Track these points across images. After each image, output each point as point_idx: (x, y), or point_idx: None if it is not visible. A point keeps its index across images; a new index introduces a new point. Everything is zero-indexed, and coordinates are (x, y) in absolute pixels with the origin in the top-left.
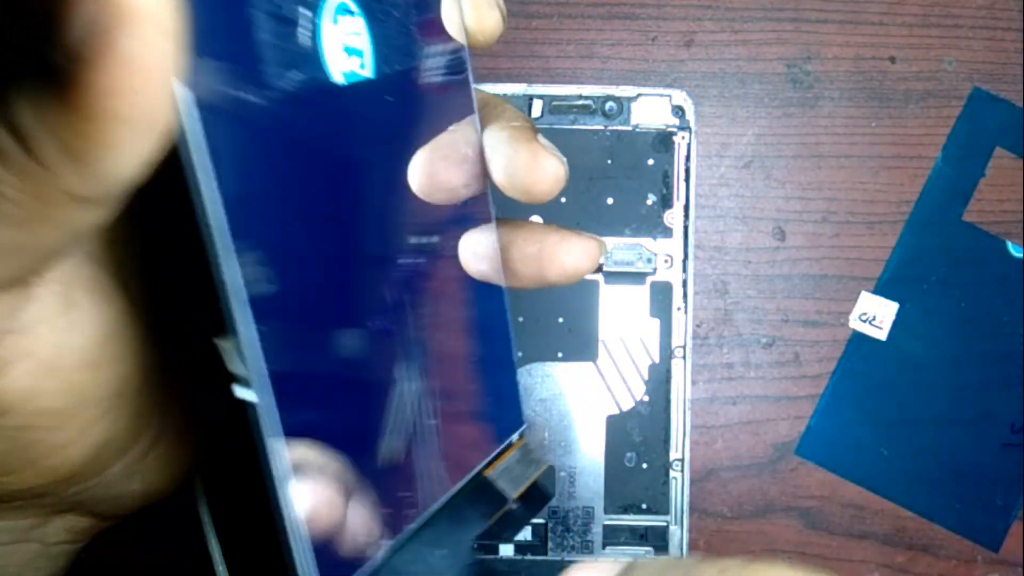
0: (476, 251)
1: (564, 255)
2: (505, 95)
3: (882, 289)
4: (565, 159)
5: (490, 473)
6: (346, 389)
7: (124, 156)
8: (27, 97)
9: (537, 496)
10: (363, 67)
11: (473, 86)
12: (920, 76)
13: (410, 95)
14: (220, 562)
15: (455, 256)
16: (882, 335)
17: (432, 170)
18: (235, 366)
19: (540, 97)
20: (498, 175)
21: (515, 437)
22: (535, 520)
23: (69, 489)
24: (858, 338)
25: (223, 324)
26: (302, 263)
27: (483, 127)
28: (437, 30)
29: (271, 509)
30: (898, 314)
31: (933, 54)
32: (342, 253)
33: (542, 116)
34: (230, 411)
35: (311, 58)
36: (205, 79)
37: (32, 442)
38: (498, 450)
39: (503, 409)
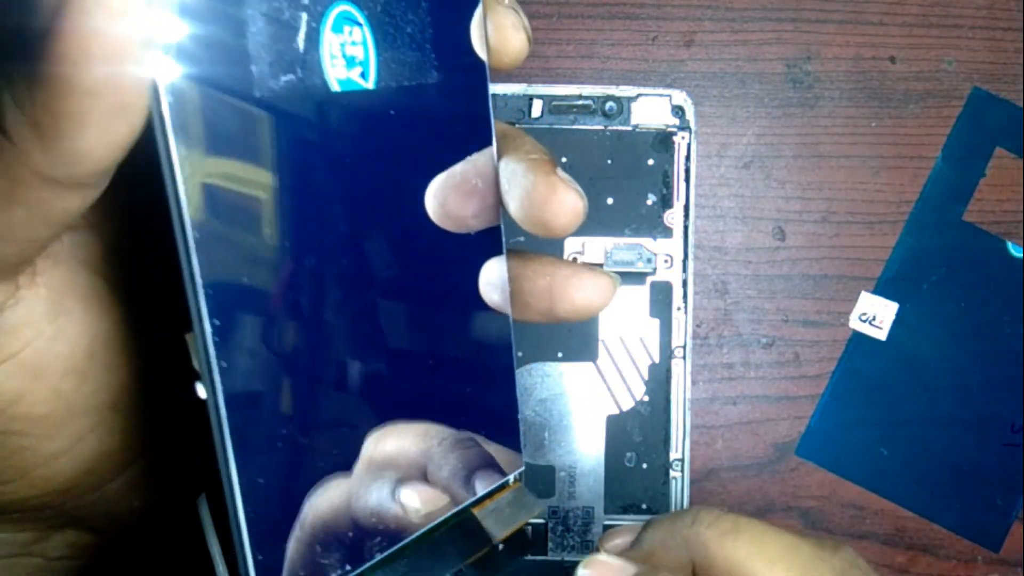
0: (489, 280)
1: (575, 290)
2: (505, 95)
3: (882, 289)
4: (584, 194)
5: (479, 512)
6: (318, 405)
7: (92, 134)
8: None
9: (524, 541)
10: (364, 78)
11: (493, 115)
12: (920, 76)
13: (420, 112)
14: (220, 561)
15: (460, 286)
16: (882, 335)
17: (443, 199)
18: (196, 361)
19: (540, 97)
20: (514, 208)
21: (511, 479)
22: (535, 520)
23: (67, 503)
24: (858, 338)
25: (190, 318)
26: (276, 267)
27: (500, 157)
28: (457, 51)
29: (228, 512)
30: (898, 314)
31: (933, 54)
32: (322, 264)
33: (542, 116)
34: (197, 409)
35: (307, 63)
36: (192, 71)
37: (21, 449)
38: (490, 489)
39: (502, 449)
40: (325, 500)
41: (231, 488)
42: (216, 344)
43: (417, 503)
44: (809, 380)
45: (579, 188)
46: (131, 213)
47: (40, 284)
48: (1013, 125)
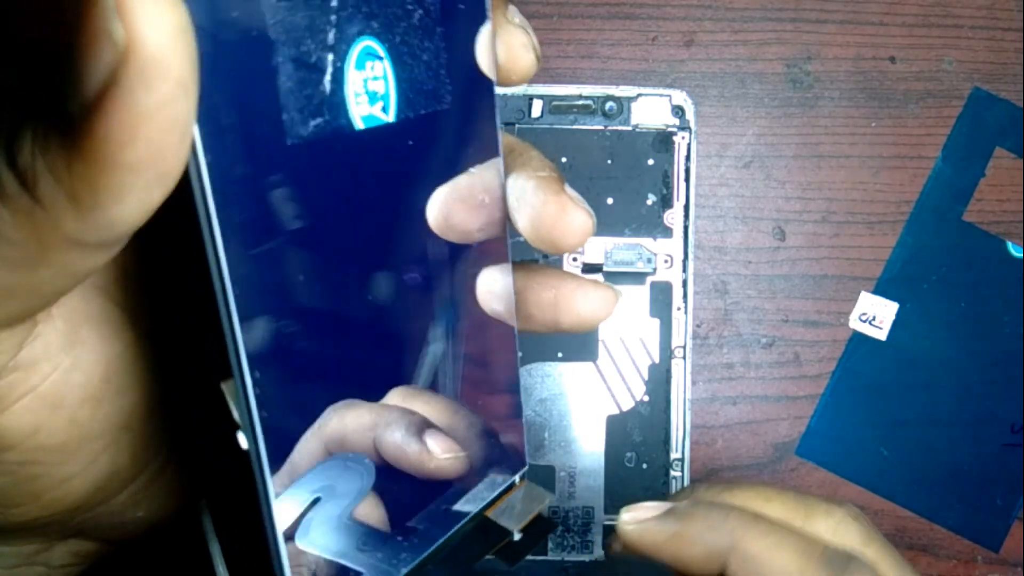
0: (492, 289)
1: (580, 303)
2: (505, 95)
3: (882, 289)
4: (593, 211)
5: (492, 513)
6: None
7: (129, 204)
8: (32, 138)
9: (540, 526)
10: (386, 111)
11: (500, 130)
12: (920, 76)
13: (433, 137)
14: (221, 562)
15: (469, 296)
16: (882, 335)
17: (447, 211)
18: (237, 413)
19: (540, 97)
20: (524, 226)
21: (516, 479)
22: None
23: (74, 518)
24: (858, 338)
25: (228, 369)
26: (309, 311)
27: (508, 173)
28: (466, 72)
29: (266, 552)
30: (898, 314)
31: (933, 54)
32: (353, 301)
33: (542, 116)
34: (232, 451)
35: (334, 105)
36: (222, 124)
37: (35, 476)
38: (499, 491)
39: (507, 450)
40: (353, 415)
41: (275, 538)
42: (257, 397)
43: (439, 448)
44: (809, 380)
45: (588, 207)
46: (139, 236)
47: (56, 316)
48: (1013, 125)
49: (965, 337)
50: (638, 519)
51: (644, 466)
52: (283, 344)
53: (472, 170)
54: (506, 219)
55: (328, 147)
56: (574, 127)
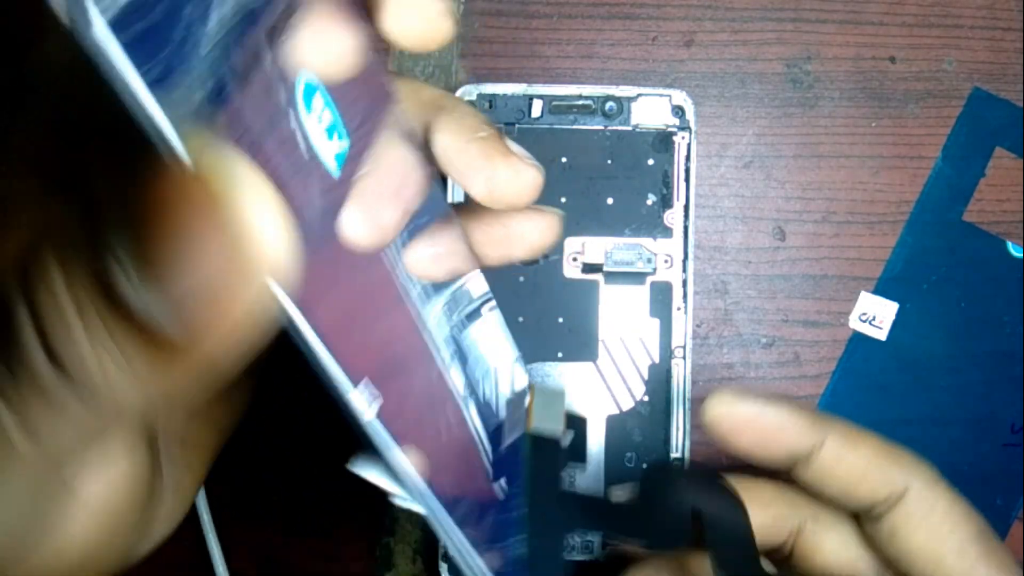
0: (437, 252)
1: (532, 233)
2: (505, 95)
3: (882, 289)
4: (538, 163)
5: (532, 427)
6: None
7: (202, 377)
8: (87, 328)
9: (576, 423)
10: (341, 137)
11: (392, 81)
12: (920, 76)
13: (368, 133)
14: (220, 561)
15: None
16: (882, 335)
17: (374, 217)
18: (389, 487)
19: (540, 97)
20: (479, 192)
21: (527, 386)
22: None
23: None
24: (858, 338)
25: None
26: (394, 370)
27: (442, 133)
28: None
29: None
30: (898, 314)
31: (933, 54)
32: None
33: (542, 116)
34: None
35: (315, 164)
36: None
37: (83, 568)
38: (525, 407)
39: (511, 371)
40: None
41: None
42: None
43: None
44: (809, 380)
45: (534, 160)
46: None
47: None
48: (1013, 125)
49: (965, 337)
50: (733, 397)
51: (644, 466)
52: (405, 414)
53: (373, 161)
54: (432, 172)
55: (333, 213)
56: (574, 127)
